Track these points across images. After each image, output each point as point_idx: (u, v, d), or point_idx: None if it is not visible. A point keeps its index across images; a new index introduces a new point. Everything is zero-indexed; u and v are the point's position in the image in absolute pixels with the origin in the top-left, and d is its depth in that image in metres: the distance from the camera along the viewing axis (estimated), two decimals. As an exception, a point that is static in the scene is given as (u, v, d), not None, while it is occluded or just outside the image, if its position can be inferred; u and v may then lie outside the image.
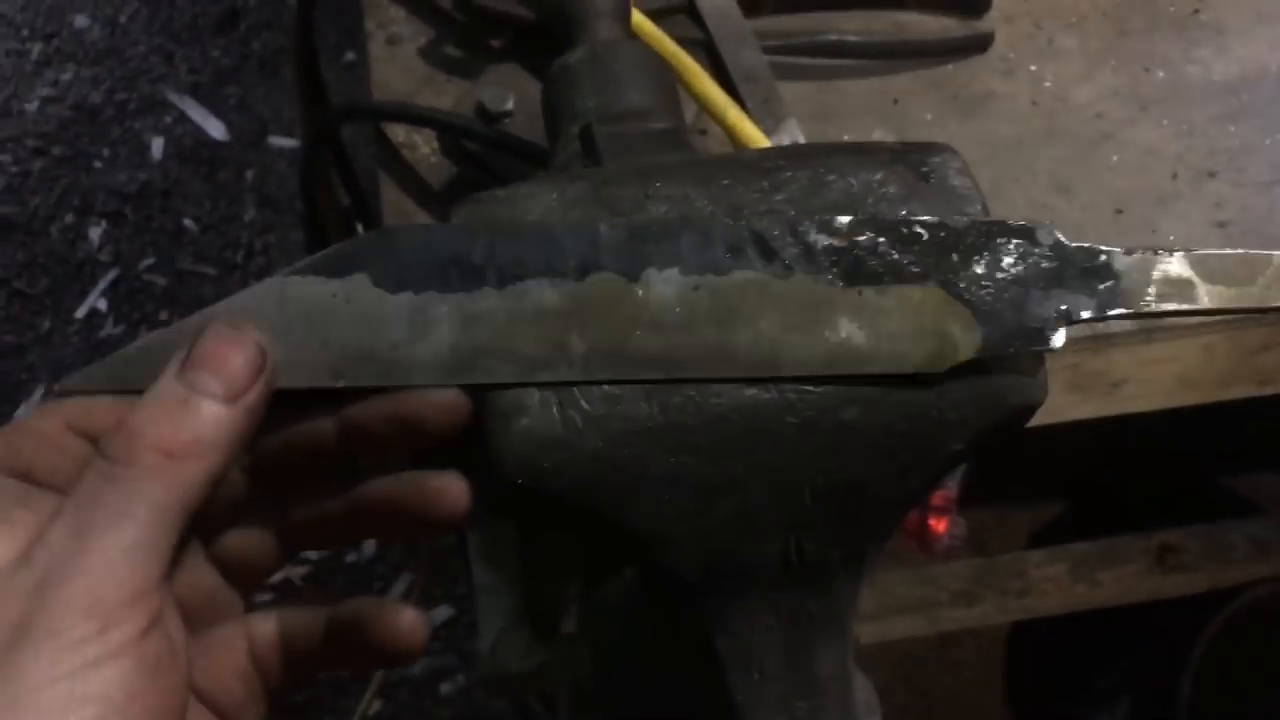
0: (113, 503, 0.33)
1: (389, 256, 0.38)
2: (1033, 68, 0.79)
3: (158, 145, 2.11)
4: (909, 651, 1.67)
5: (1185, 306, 0.41)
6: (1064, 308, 0.39)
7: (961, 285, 0.39)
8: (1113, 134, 0.77)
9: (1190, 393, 0.80)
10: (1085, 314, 0.40)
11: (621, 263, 0.39)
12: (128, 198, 2.05)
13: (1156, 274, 0.40)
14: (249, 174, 2.09)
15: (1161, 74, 0.79)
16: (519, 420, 0.37)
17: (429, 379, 0.37)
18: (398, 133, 0.75)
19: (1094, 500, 1.65)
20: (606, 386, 0.37)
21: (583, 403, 0.37)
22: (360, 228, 0.95)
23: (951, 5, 0.80)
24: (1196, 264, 0.41)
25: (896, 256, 0.39)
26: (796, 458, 0.38)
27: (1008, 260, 0.40)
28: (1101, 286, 0.40)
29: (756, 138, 0.68)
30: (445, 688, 1.76)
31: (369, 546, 1.82)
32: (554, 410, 0.37)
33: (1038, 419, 0.83)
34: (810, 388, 0.38)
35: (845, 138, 0.76)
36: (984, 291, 0.39)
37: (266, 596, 1.80)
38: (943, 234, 0.40)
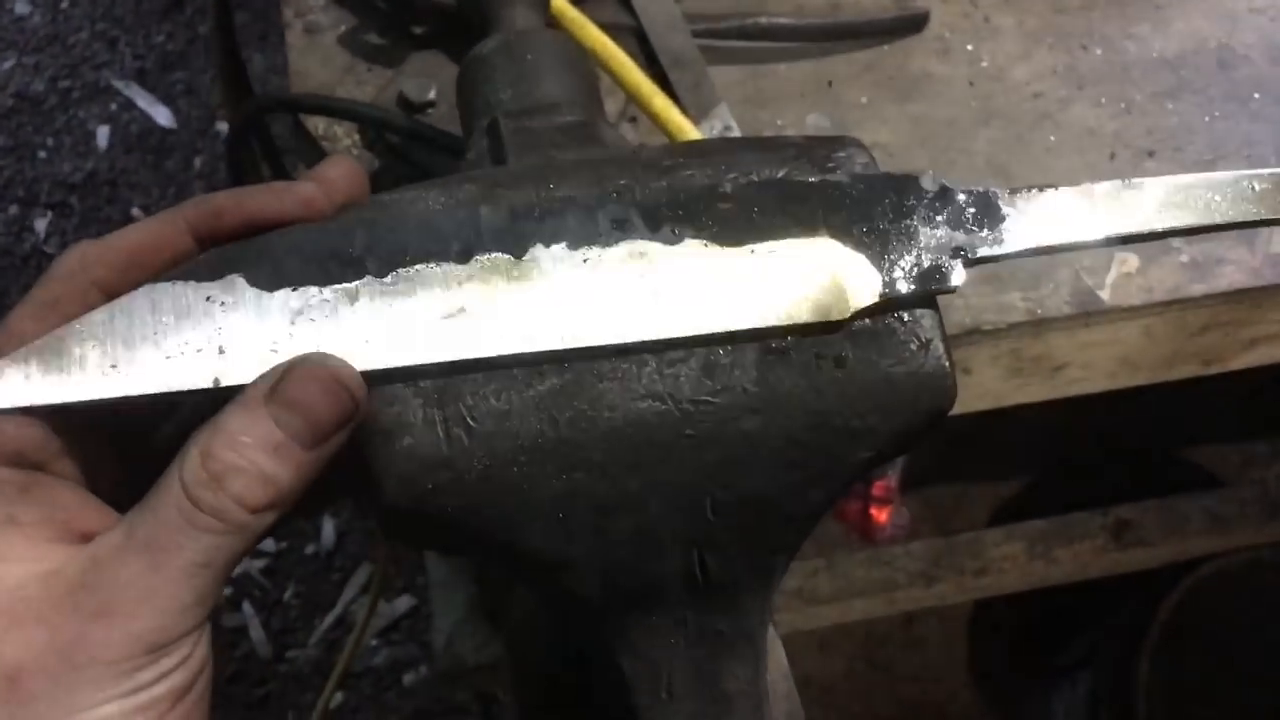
0: (190, 549, 0.33)
1: (265, 257, 0.36)
2: (969, 47, 0.78)
3: (103, 133, 2.07)
4: (873, 630, 1.66)
5: (1078, 238, 0.40)
6: (957, 247, 0.38)
7: (854, 235, 0.38)
8: (1050, 114, 0.76)
9: (1133, 374, 0.79)
10: (982, 250, 0.39)
11: (506, 243, 0.37)
12: (74, 188, 2.01)
13: (1045, 209, 0.40)
14: (197, 161, 2.05)
15: (1099, 51, 0.78)
16: (401, 439, 0.35)
17: None
18: (317, 125, 0.73)
19: (1056, 476, 1.65)
20: (495, 403, 0.35)
21: (469, 420, 0.35)
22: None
23: (886, -16, 0.78)
24: (1083, 196, 0.41)
25: (786, 213, 0.38)
26: (696, 471, 0.36)
27: (895, 208, 0.39)
28: (993, 225, 0.39)
29: (683, 125, 0.66)
30: (408, 678, 1.74)
31: (328, 538, 1.80)
32: (438, 428, 0.35)
33: (981, 405, 0.82)
34: (709, 398, 0.36)
35: (779, 122, 0.75)
36: (877, 239, 0.38)
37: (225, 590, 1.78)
38: (829, 189, 0.39)
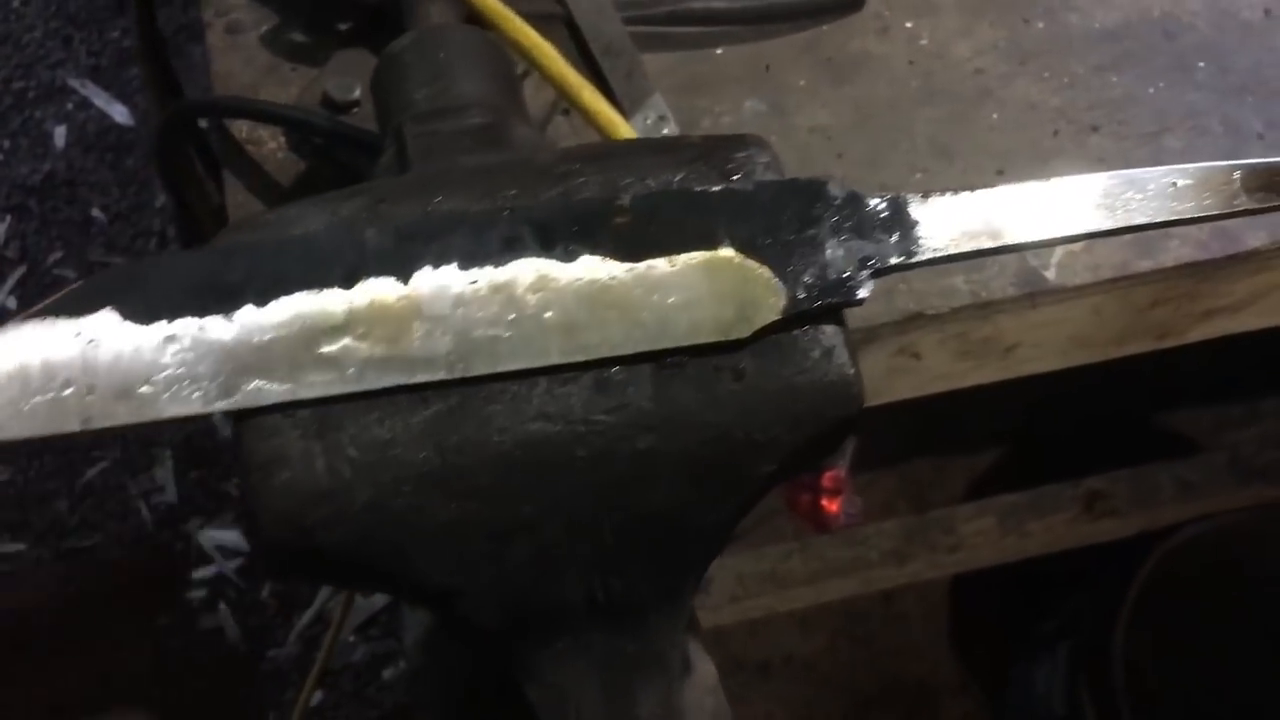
0: None
1: (137, 288, 0.35)
2: (908, 25, 0.76)
3: (60, 133, 2.04)
4: (852, 607, 1.66)
5: (990, 245, 0.39)
6: (866, 258, 0.37)
7: (757, 247, 0.37)
8: (992, 90, 0.74)
9: (1086, 351, 0.78)
10: (892, 260, 0.38)
11: (392, 265, 0.36)
12: (31, 190, 1.99)
13: (957, 215, 0.39)
14: (158, 159, 2.02)
15: (1041, 25, 0.76)
16: (279, 474, 0.34)
17: (188, 409, 0.34)
18: (241, 128, 0.71)
19: (1031, 446, 1.64)
20: (377, 431, 0.34)
21: (350, 450, 0.34)
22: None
23: (822, -37, 0.76)
24: (1000, 200, 0.39)
25: (685, 226, 0.37)
26: (592, 493, 0.35)
27: (801, 217, 0.38)
28: (901, 234, 0.38)
29: (613, 119, 0.64)
30: (387, 673, 1.73)
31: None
32: (318, 460, 0.34)
33: (936, 388, 0.81)
34: (602, 417, 0.35)
35: (716, 109, 0.73)
36: (781, 250, 0.37)
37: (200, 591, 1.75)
38: (731, 198, 0.37)
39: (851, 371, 0.36)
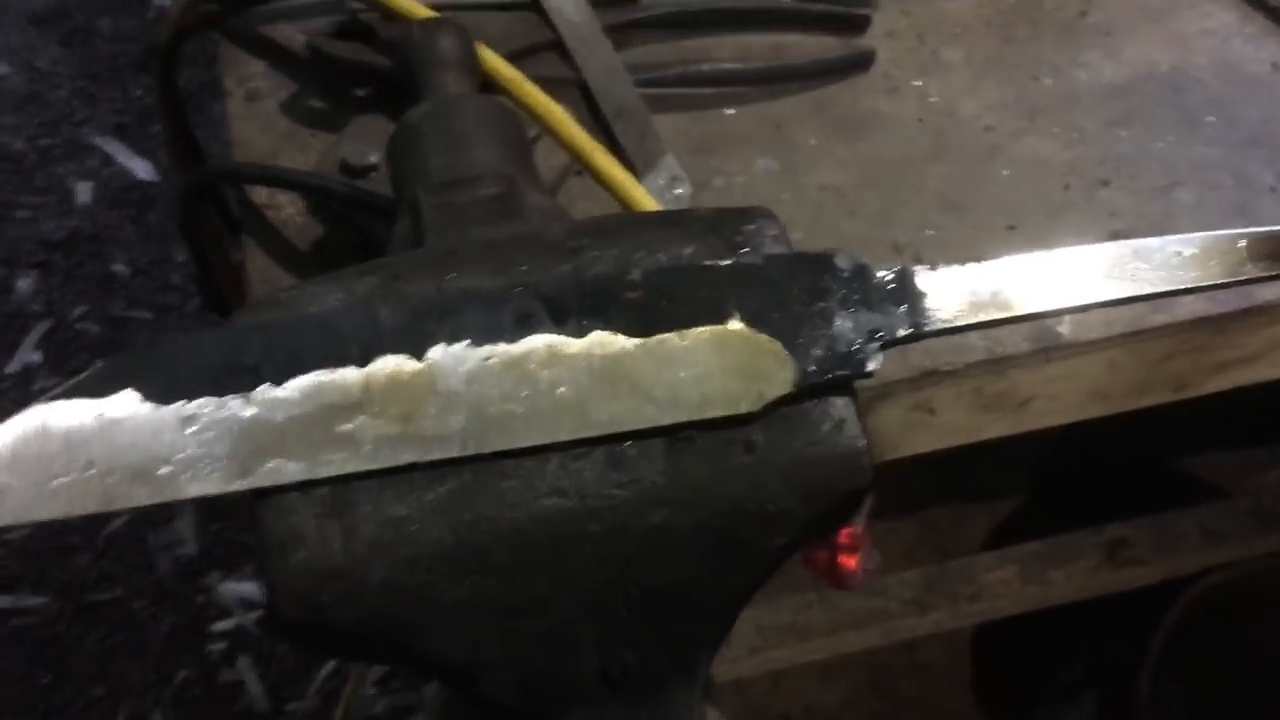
0: None
1: (156, 369, 0.36)
2: (917, 83, 0.77)
3: (84, 189, 2.07)
4: (874, 658, 1.64)
5: (998, 316, 0.39)
6: (875, 330, 0.37)
7: (766, 320, 0.37)
8: (1002, 147, 0.75)
9: (1102, 404, 0.78)
10: (900, 332, 0.38)
11: (405, 343, 0.36)
12: (56, 246, 2.01)
13: (966, 286, 0.39)
14: (180, 214, 2.05)
15: (1049, 81, 0.77)
16: (295, 552, 0.34)
17: (206, 488, 0.35)
18: (260, 193, 0.72)
19: (1052, 489, 1.63)
20: (392, 509, 0.34)
21: (365, 528, 0.34)
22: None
23: (831, 24, 0.77)
24: (1009, 270, 0.39)
25: (696, 301, 0.37)
26: (605, 568, 0.35)
27: (810, 290, 0.38)
28: (910, 305, 0.38)
29: (625, 182, 0.65)
30: (408, 725, 1.73)
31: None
32: (334, 539, 0.34)
33: (953, 441, 0.81)
34: (615, 491, 0.35)
35: (728, 169, 0.74)
36: (790, 323, 0.37)
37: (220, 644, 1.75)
38: (740, 273, 0.38)
39: (862, 444, 0.36)
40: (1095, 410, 0.78)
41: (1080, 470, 1.58)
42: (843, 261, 0.38)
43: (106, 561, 1.82)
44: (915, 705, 1.64)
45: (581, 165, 0.67)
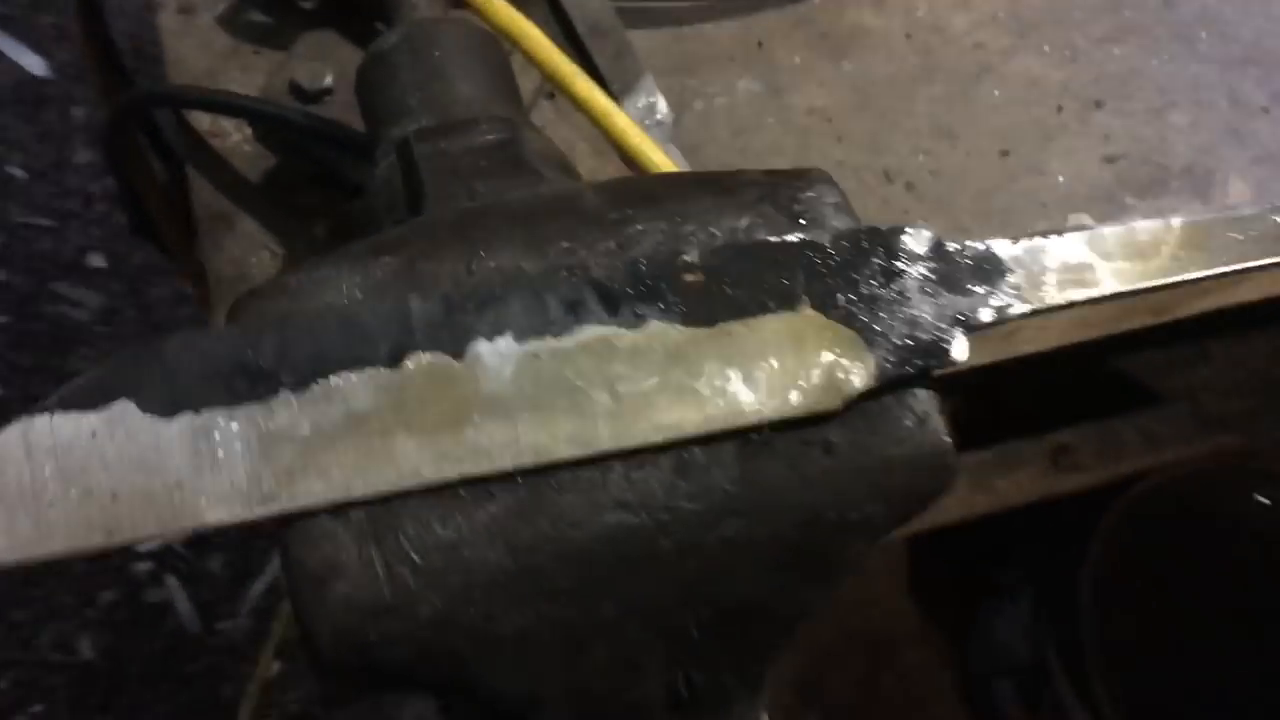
0: None
1: (157, 375, 0.31)
2: (905, -4, 0.73)
3: (-31, 87, 1.93)
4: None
5: (1089, 294, 0.36)
6: (958, 314, 0.34)
7: (841, 306, 0.33)
8: (993, 66, 0.71)
9: (1085, 330, 0.76)
10: (984, 317, 0.35)
11: (441, 340, 0.32)
12: (-57, 148, 1.88)
13: (1050, 262, 0.36)
14: (77, 112, 1.93)
15: (1041, -7, 0.73)
16: (334, 586, 0.30)
17: (225, 515, 0.30)
18: (203, 119, 0.66)
19: (992, 401, 1.64)
20: (441, 532, 0.31)
21: (411, 555, 0.30)
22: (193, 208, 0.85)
23: (814, -70, 0.72)
24: (1093, 244, 0.36)
25: (761, 284, 0.33)
26: (676, 587, 0.32)
27: (884, 270, 0.34)
28: (994, 285, 0.35)
29: (608, 109, 0.61)
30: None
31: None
32: (378, 568, 0.30)
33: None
34: (685, 503, 0.32)
35: (709, 90, 0.69)
36: (866, 309, 0.34)
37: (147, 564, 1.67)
38: (810, 253, 0.34)
39: (948, 441, 0.33)
40: (1079, 336, 0.77)
41: (1017, 384, 1.59)
42: (919, 236, 0.35)
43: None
44: (853, 607, 1.66)
45: (561, 91, 0.61)
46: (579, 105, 0.61)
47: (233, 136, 0.66)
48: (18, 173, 1.88)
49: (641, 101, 0.67)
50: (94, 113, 1.91)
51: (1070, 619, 1.38)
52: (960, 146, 0.69)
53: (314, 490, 0.30)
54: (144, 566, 1.70)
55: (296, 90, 0.65)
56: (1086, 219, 0.68)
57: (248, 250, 0.64)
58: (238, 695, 1.66)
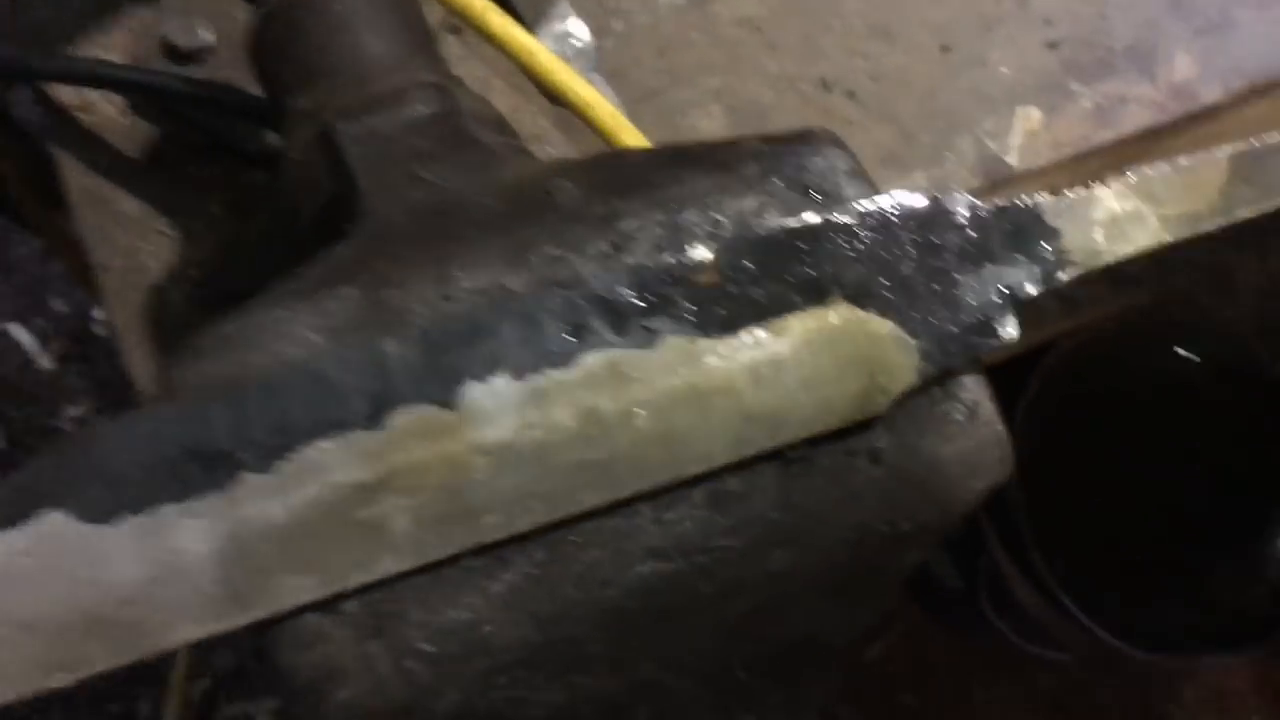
0: None
1: (88, 475, 0.26)
2: (824, -117, 0.67)
3: None
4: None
5: (1144, 246, 0.33)
6: (1004, 287, 0.30)
7: (875, 294, 0.30)
8: (925, -47, 0.66)
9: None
10: (1031, 288, 0.31)
11: (427, 387, 0.27)
12: None
13: (1097, 214, 0.32)
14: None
15: None
16: (336, 693, 0.26)
17: (197, 631, 0.26)
18: (67, 92, 0.58)
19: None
20: (451, 613, 0.26)
21: (421, 644, 0.26)
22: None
23: None
24: (1140, 190, 0.33)
25: (785, 277, 0.29)
26: (721, 632, 0.28)
27: (920, 246, 0.30)
28: (1039, 248, 0.31)
29: (530, 46, 0.55)
30: None
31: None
32: (384, 666, 0.26)
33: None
34: (724, 541, 0.28)
35: (627, 7, 0.63)
36: (903, 294, 0.30)
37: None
38: (833, 235, 0.30)
39: (1001, 430, 0.30)
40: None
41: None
42: (954, 205, 0.30)
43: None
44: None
45: (472, 26, 0.55)
46: (496, 43, 0.55)
47: (104, 109, 0.59)
48: None
49: (557, 28, 0.61)
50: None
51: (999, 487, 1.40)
52: (898, 45, 0.64)
53: (298, 586, 0.25)
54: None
55: (170, 50, 0.58)
56: (1034, 111, 0.65)
57: (137, 236, 0.58)
58: (167, 659, 1.61)
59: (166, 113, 0.57)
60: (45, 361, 1.64)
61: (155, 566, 0.25)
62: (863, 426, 0.29)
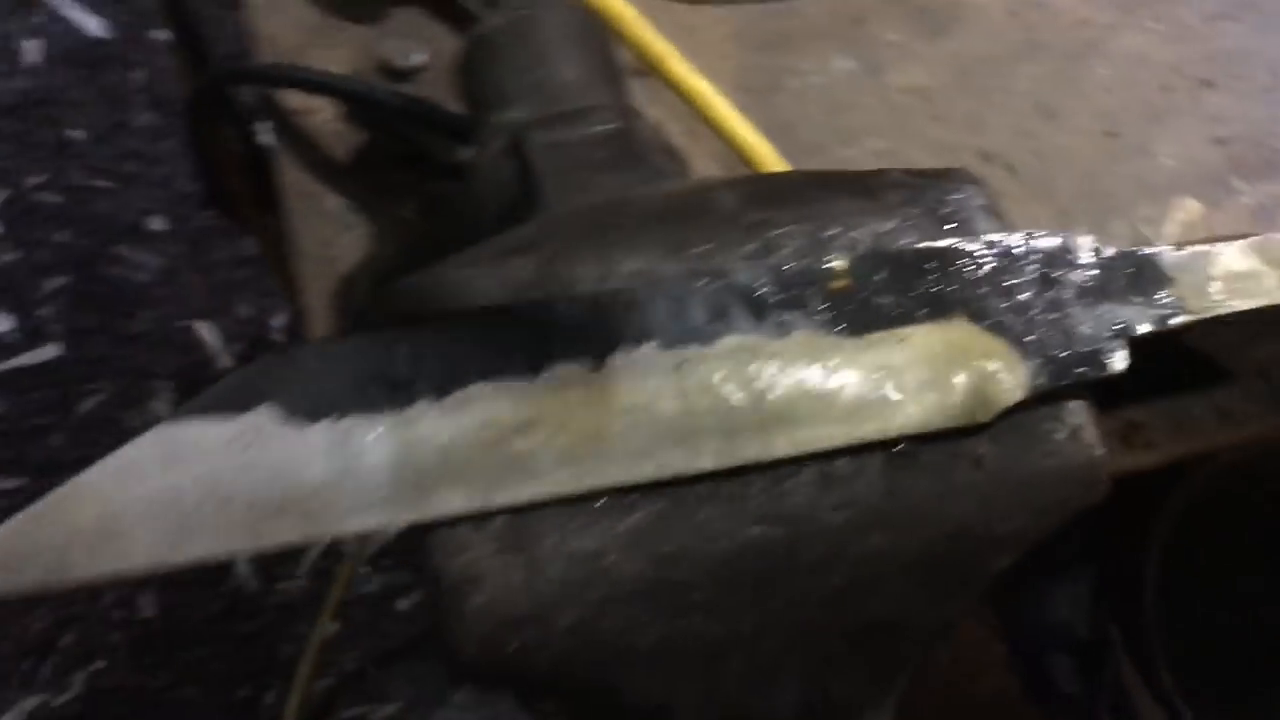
0: None
1: (296, 381, 0.30)
2: (1006, -30, 0.70)
3: (32, 49, 1.94)
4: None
5: (1257, 302, 0.34)
6: (1117, 324, 0.33)
7: (993, 315, 0.32)
8: (1098, 43, 0.69)
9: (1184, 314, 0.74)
10: (1143, 328, 0.33)
11: (582, 348, 0.31)
12: (6, 110, 1.89)
13: (1215, 270, 0.35)
14: (136, 74, 1.93)
15: (1148, -32, 0.71)
16: (474, 596, 0.30)
17: (366, 522, 0.30)
18: (290, 98, 0.65)
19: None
20: (581, 542, 0.30)
21: (552, 565, 0.30)
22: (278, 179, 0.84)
23: (912, -99, 0.70)
24: (1259, 250, 0.35)
25: (912, 292, 0.32)
26: (818, 600, 0.31)
27: (1041, 279, 0.33)
28: (1155, 294, 0.34)
29: (705, 93, 0.59)
30: (402, 604, 1.72)
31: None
32: (516, 578, 0.30)
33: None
34: (828, 515, 0.31)
35: (802, 68, 0.68)
36: (1021, 319, 0.32)
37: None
38: (961, 260, 0.33)
39: (1100, 454, 0.32)
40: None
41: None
42: (1078, 246, 0.33)
43: (82, 442, 1.76)
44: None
45: (652, 72, 0.60)
46: (674, 88, 0.60)
47: (321, 114, 0.65)
48: (78, 135, 1.88)
49: (735, 79, 0.65)
50: (154, 82, 1.91)
51: (1135, 597, 1.37)
52: (1063, 126, 0.67)
53: (454, 499, 0.30)
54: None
55: (385, 68, 0.64)
56: (1193, 203, 0.66)
57: (334, 230, 0.64)
58: (296, 654, 1.68)
59: (376, 123, 0.64)
60: (225, 360, 1.75)
61: (339, 465, 0.29)
62: (968, 432, 0.31)
